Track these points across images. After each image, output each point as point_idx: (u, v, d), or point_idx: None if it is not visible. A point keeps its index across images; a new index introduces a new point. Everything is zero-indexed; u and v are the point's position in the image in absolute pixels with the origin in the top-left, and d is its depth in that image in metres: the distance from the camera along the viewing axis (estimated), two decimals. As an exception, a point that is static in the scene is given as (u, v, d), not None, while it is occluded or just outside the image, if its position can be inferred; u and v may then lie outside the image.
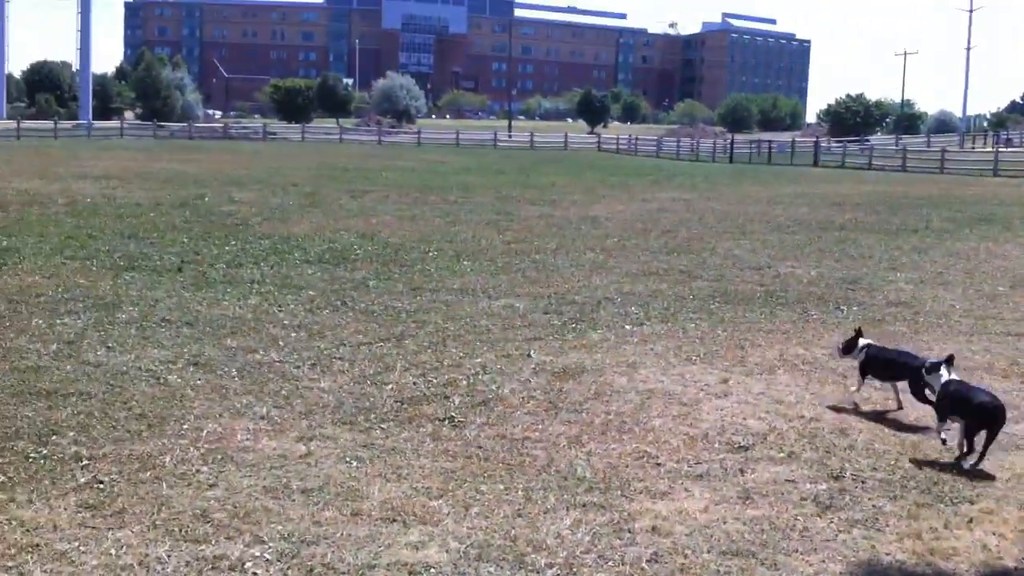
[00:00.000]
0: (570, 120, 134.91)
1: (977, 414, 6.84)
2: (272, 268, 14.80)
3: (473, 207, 25.30)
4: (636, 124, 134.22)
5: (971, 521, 5.92)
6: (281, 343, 10.16)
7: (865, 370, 8.34)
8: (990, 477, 6.70)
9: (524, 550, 5.43)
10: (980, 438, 6.89)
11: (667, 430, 7.61)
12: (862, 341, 8.44)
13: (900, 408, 8.16)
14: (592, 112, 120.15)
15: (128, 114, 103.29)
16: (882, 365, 8.24)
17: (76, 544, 5.36)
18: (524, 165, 47.19)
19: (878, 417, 8.03)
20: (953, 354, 7.98)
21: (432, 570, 5.18)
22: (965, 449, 6.93)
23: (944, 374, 7.29)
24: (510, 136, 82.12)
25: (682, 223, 22.52)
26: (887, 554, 5.47)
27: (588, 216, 23.73)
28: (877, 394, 8.61)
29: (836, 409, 8.22)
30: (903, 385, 8.08)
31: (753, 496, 6.29)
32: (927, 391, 7.52)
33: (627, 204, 27.34)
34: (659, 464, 6.88)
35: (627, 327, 11.36)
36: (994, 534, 5.75)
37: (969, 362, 9.85)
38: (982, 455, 6.85)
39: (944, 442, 7.26)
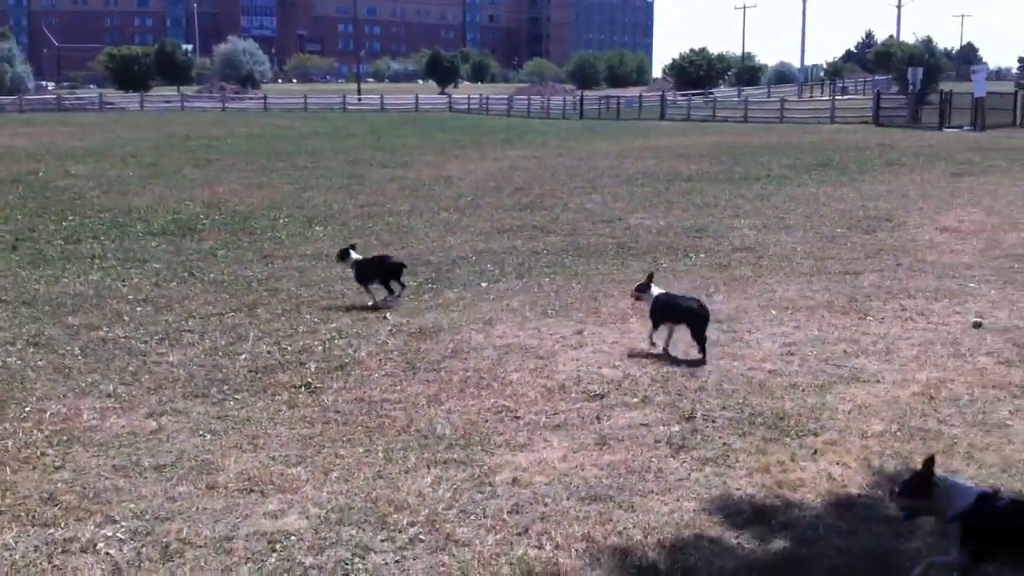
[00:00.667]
0: (420, 81, 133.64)
1: (688, 316, 8.26)
2: (114, 242, 14.26)
3: (323, 172, 24.88)
4: (486, 84, 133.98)
5: (816, 453, 6.19)
6: (126, 318, 9.82)
7: (359, 278, 10.45)
8: (700, 361, 8.14)
9: (386, 511, 5.42)
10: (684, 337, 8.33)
11: (525, 383, 7.69)
12: (353, 255, 10.54)
13: (392, 294, 10.42)
14: (442, 73, 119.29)
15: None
16: (373, 270, 10.42)
17: (-89, 538, 5.09)
18: (375, 128, 46.56)
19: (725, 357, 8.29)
20: (653, 272, 9.32)
21: (292, 537, 5.12)
22: (698, 346, 8.25)
23: (655, 290, 8.61)
24: (360, 99, 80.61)
25: (534, 180, 22.67)
26: (738, 489, 5.68)
27: (441, 177, 23.64)
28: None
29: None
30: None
31: (609, 442, 6.42)
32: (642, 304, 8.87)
33: (479, 163, 27.34)
34: (518, 417, 6.95)
35: (483, 284, 11.40)
36: (838, 464, 6.02)
37: (811, 300, 10.27)
38: (703, 347, 8.21)
39: (654, 344, 8.47)
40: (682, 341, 8.44)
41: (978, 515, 4.21)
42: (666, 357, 8.29)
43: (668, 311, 8.43)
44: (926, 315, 9.67)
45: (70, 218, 16.50)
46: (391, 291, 10.48)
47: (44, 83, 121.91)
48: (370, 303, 10.38)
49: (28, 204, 18.34)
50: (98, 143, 35.16)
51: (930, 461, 4.38)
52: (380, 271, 10.49)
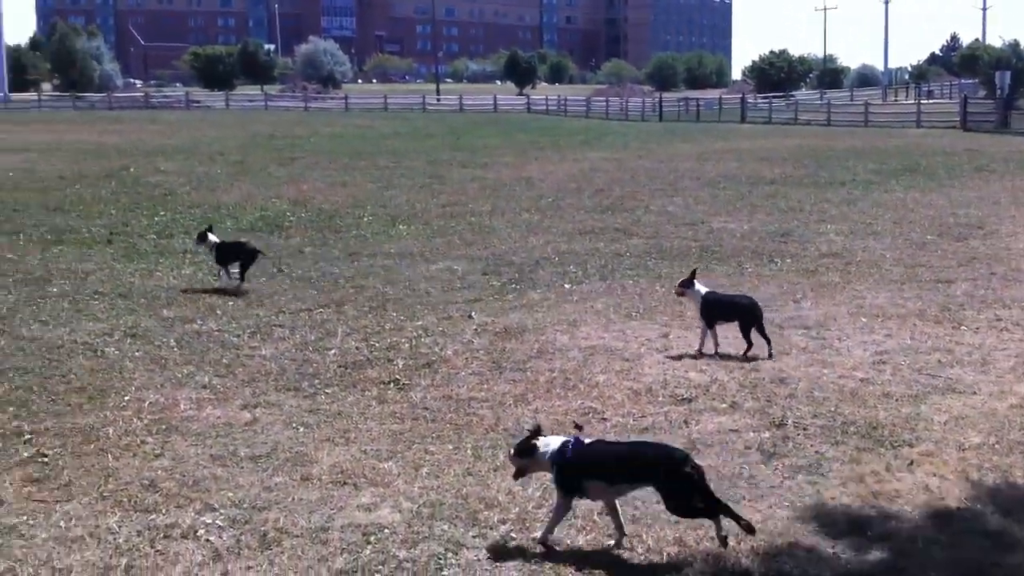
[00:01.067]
0: (498, 82, 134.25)
1: (744, 314, 8.35)
2: (204, 237, 14.54)
3: (405, 171, 25.12)
4: (564, 85, 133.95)
5: (912, 464, 6.07)
6: (219, 312, 10.04)
7: (219, 259, 11.17)
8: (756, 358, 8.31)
9: (476, 507, 5.46)
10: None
11: (611, 385, 7.68)
12: (212, 237, 11.30)
13: (241, 283, 11.01)
14: (520, 74, 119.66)
15: (46, 86, 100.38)
16: (225, 253, 11.13)
17: (24, 518, 5.28)
18: (455, 128, 46.86)
19: (815, 364, 8.18)
20: (696, 268, 9.33)
21: (386, 530, 5.18)
22: (746, 344, 8.36)
23: (700, 287, 8.62)
24: (439, 99, 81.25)
25: (615, 182, 22.62)
26: (832, 498, 5.60)
27: (521, 177, 23.71)
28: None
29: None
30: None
31: (699, 446, 6.38)
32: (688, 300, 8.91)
33: (559, 164, 27.36)
34: (605, 419, 6.95)
35: (566, 286, 11.42)
36: (935, 475, 5.91)
37: (902, 308, 10.09)
38: (768, 341, 8.39)
39: (700, 350, 8.50)
40: (760, 343, 8.45)
41: (562, 457, 4.98)
42: (752, 362, 8.22)
43: (721, 309, 8.53)
44: (1022, 325, 9.43)
45: (161, 213, 16.91)
46: (243, 276, 11.07)
47: (133, 81, 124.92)
48: (217, 284, 11.11)
49: (121, 199, 18.84)
50: (186, 141, 35.96)
51: (536, 430, 5.11)
52: (237, 254, 11.15)
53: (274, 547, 5.00)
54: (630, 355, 8.52)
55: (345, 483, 5.79)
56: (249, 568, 4.79)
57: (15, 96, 77.27)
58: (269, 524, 5.24)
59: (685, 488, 4.82)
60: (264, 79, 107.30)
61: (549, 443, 5.05)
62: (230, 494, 5.62)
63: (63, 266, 12.11)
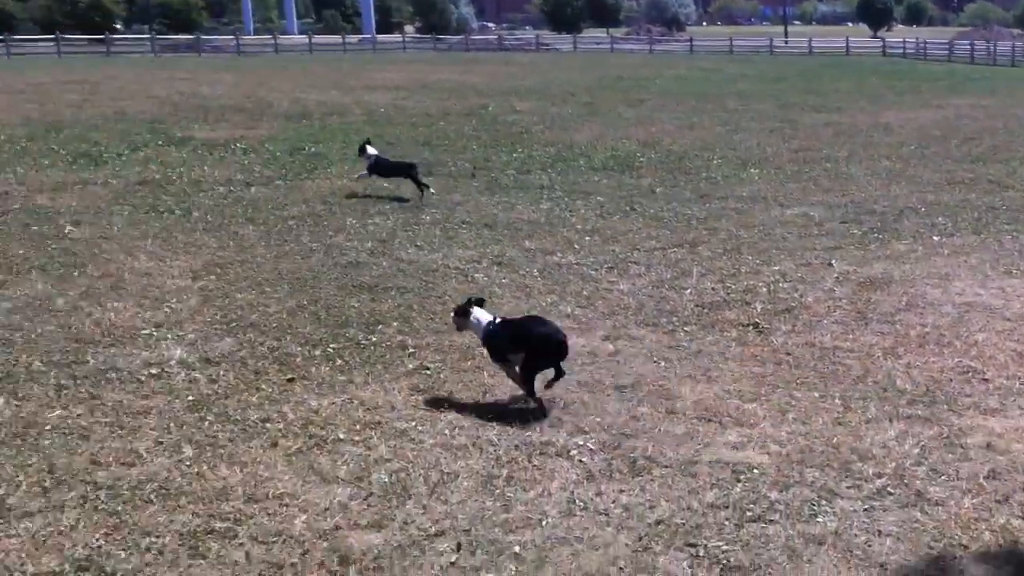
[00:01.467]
0: (850, 24, 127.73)
1: None
2: (559, 175, 14.96)
3: (753, 114, 24.52)
4: (922, 27, 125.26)
5: None
6: (576, 246, 10.30)
7: (373, 171, 13.19)
8: None
9: (848, 458, 5.29)
10: None
11: (992, 345, 7.16)
12: (370, 149, 13.34)
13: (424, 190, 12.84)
14: (874, 15, 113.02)
15: (408, 28, 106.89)
16: (387, 169, 13.25)
17: (413, 424, 5.71)
18: (804, 71, 45.09)
19: None
20: None
21: (755, 470, 5.13)
22: None
23: None
24: (786, 42, 78.42)
25: (985, 131, 20.90)
26: None
27: (878, 123, 22.45)
28: None
29: None
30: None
31: (1102, 418, 5.82)
32: None
33: (919, 111, 25.64)
34: (986, 380, 6.49)
35: (935, 238, 10.73)
36: None
37: None
38: None
39: None
40: None
41: (489, 334, 6.07)
42: None
43: None
44: None
45: (519, 150, 17.53)
46: (420, 187, 12.80)
47: (487, 24, 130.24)
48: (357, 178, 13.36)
49: (482, 136, 19.73)
50: (538, 82, 37.02)
51: (470, 302, 6.29)
52: (395, 169, 13.14)
53: (644, 474, 5.10)
54: (1012, 315, 7.89)
55: (710, 420, 5.80)
56: (621, 492, 4.91)
57: (382, 38, 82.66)
58: (638, 452, 5.34)
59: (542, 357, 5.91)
60: (610, 22, 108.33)
61: (480, 318, 6.16)
62: (598, 419, 5.78)
63: (433, 196, 12.86)
